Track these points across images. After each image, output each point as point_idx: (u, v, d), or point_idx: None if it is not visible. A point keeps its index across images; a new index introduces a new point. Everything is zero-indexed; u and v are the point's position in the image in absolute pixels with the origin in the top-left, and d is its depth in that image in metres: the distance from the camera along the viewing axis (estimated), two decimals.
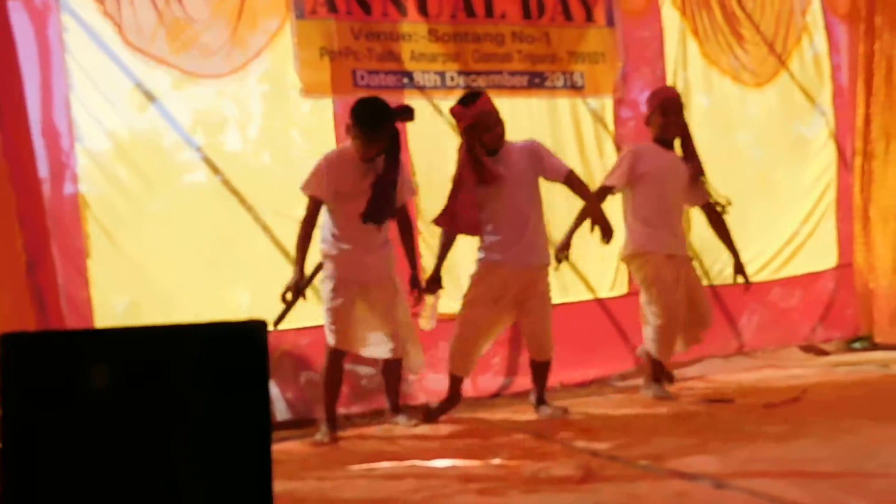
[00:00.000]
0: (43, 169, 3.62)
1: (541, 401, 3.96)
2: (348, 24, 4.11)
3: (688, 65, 4.91)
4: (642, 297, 4.17)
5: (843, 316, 5.39)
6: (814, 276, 5.32)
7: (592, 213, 3.81)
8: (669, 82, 4.87)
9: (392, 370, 3.83)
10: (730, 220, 4.34)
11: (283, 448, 3.51)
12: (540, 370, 3.97)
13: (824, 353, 5.17)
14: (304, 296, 3.59)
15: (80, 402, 1.49)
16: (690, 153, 4.17)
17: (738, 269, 4.31)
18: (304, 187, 3.61)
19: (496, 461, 3.17)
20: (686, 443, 3.25)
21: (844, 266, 5.40)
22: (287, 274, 4.04)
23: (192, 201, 3.95)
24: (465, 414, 4.08)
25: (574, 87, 4.59)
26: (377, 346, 3.73)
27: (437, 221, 3.83)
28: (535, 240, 3.78)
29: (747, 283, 4.34)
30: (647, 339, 4.15)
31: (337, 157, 3.65)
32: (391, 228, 3.75)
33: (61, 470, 1.46)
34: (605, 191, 4.11)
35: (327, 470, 3.16)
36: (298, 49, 4.02)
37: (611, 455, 3.12)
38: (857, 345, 5.28)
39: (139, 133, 3.86)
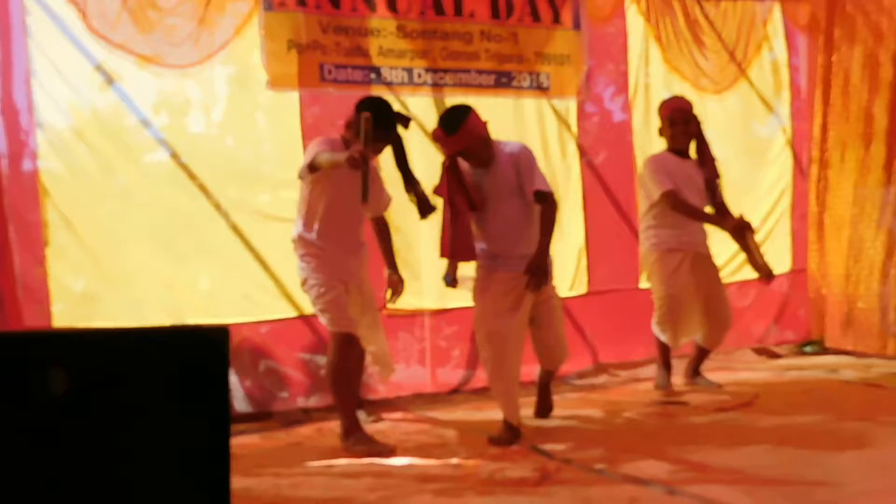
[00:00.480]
0: (1, 145, 3.53)
1: (546, 410, 3.90)
2: (316, 18, 4.05)
3: (650, 70, 4.95)
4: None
5: (796, 319, 5.50)
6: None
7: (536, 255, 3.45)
8: (631, 87, 4.92)
9: (358, 363, 3.73)
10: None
11: (241, 442, 3.48)
12: (547, 377, 3.87)
13: (776, 355, 5.27)
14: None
15: (30, 408, 1.46)
16: (705, 157, 4.25)
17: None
18: (305, 169, 3.32)
19: (453, 461, 3.18)
20: (640, 446, 3.29)
21: (798, 271, 5.51)
22: (246, 261, 4.02)
23: (152, 183, 3.88)
24: (423, 410, 4.08)
25: (540, 88, 4.60)
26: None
27: (443, 254, 3.57)
28: (523, 251, 3.46)
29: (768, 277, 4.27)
30: (654, 324, 4.31)
31: (329, 144, 3.35)
32: (367, 230, 3.67)
33: (8, 478, 1.42)
34: (675, 197, 4.08)
35: (284, 466, 3.14)
36: (266, 41, 3.95)
37: (566, 458, 3.15)
38: (808, 348, 5.39)
39: (100, 113, 3.78)
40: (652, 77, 4.96)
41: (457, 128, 3.40)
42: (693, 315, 4.30)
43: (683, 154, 4.24)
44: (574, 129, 4.78)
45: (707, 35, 5.07)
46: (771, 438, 3.32)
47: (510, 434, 3.44)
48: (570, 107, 4.76)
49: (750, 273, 5.33)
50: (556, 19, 4.61)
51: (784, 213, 5.50)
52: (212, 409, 1.60)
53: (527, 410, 3.71)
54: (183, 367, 1.57)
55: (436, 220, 4.18)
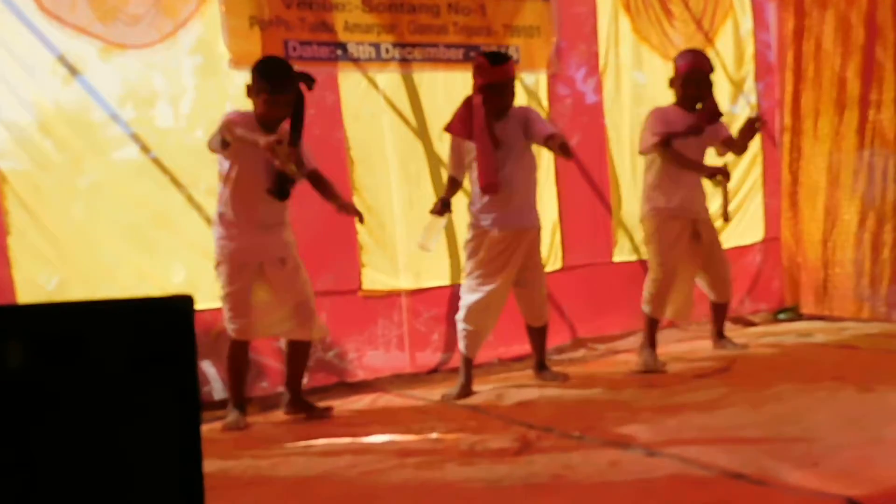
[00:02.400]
0: None
1: (542, 366, 4.01)
2: None
3: (619, 41, 4.92)
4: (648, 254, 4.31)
5: (770, 288, 5.54)
6: (742, 250, 5.43)
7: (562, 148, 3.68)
8: (602, 59, 4.89)
9: (295, 351, 3.62)
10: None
11: (218, 427, 3.43)
12: (537, 336, 4.00)
13: (752, 323, 5.30)
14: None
15: None
16: (708, 102, 4.12)
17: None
18: (215, 143, 3.32)
19: (433, 435, 3.16)
20: (619, 413, 3.30)
21: (771, 240, 5.54)
22: (200, 263, 3.96)
23: (122, 177, 3.79)
24: (403, 390, 4.06)
25: None
26: (279, 325, 3.56)
27: (485, 188, 3.69)
28: (521, 203, 3.77)
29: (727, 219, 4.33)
30: (644, 296, 4.24)
31: (240, 118, 3.34)
32: (289, 209, 3.54)
33: None
34: (667, 145, 4.04)
35: (263, 448, 3.11)
36: (227, 18, 3.85)
37: (546, 427, 3.14)
38: (783, 316, 5.43)
39: (65, 107, 3.68)
40: (621, 47, 4.92)
41: (502, 61, 3.67)
42: (684, 289, 4.26)
43: (690, 108, 4.14)
44: (545, 102, 4.74)
45: (675, 4, 5.06)
46: (748, 400, 3.34)
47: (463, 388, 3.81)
48: (540, 79, 4.72)
49: (724, 243, 5.39)
50: None
51: (755, 183, 5.52)
52: (179, 380, 1.56)
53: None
54: (146, 338, 1.52)
55: (414, 201, 4.16)
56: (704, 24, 5.16)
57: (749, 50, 5.42)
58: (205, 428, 3.28)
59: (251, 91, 3.38)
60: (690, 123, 4.05)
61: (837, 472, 2.41)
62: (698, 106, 4.14)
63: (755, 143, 5.47)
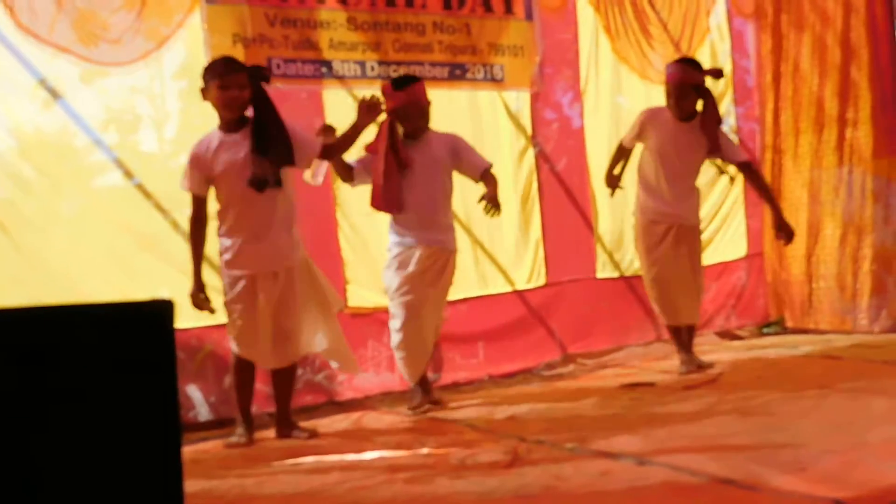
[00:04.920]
0: None
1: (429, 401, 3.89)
2: (262, 10, 3.96)
3: (599, 62, 4.98)
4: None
5: (755, 303, 5.55)
6: (726, 266, 5.47)
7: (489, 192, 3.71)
8: (582, 79, 4.93)
9: (279, 379, 3.52)
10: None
11: (203, 448, 3.38)
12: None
13: (738, 337, 5.32)
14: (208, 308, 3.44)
15: None
16: (708, 110, 4.10)
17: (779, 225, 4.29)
18: (184, 186, 3.43)
19: (423, 451, 3.12)
20: (609, 425, 3.28)
21: (754, 255, 5.56)
22: (207, 278, 3.91)
23: (105, 203, 3.77)
24: (393, 407, 4.02)
25: (494, 80, 4.58)
26: (266, 356, 3.43)
27: (374, 204, 3.74)
28: (441, 223, 3.78)
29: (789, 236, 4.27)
30: (653, 306, 4.30)
31: (200, 142, 3.39)
32: (292, 212, 3.43)
33: None
34: (621, 150, 4.23)
35: (249, 467, 3.06)
36: (209, 36, 3.84)
37: (537, 439, 3.11)
38: (768, 329, 5.44)
39: (46, 132, 3.66)
40: (602, 68, 4.97)
41: (404, 85, 3.70)
42: (685, 292, 4.23)
43: (682, 119, 4.13)
44: (525, 121, 4.76)
45: (654, 26, 5.13)
46: (736, 409, 3.33)
47: (424, 396, 3.81)
48: (521, 97, 4.74)
49: (707, 259, 5.41)
50: (509, 10, 4.60)
51: (737, 200, 5.55)
52: (158, 384, 1.52)
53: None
54: (126, 344, 1.49)
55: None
56: (682, 45, 5.23)
57: (726, 72, 5.48)
58: (190, 449, 3.25)
59: (205, 92, 3.35)
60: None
61: (824, 475, 2.41)
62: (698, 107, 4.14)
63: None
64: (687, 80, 4.08)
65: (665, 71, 4.25)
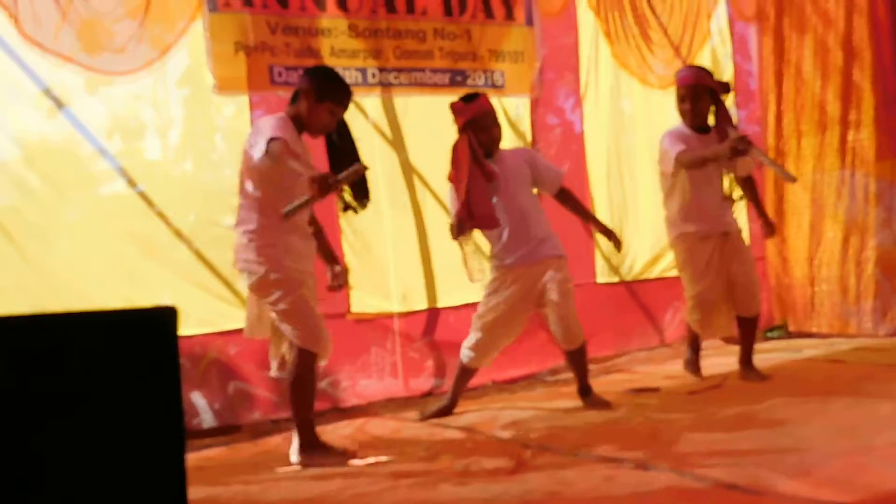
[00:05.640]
0: None
1: (584, 391, 3.82)
2: (264, 18, 3.97)
3: (599, 66, 4.96)
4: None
5: None
6: None
7: (596, 225, 3.93)
8: (582, 84, 4.93)
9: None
10: (651, 221, 4.36)
11: (207, 455, 3.38)
12: (574, 359, 3.82)
13: None
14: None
15: None
16: (721, 118, 4.02)
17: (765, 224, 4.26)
18: (271, 132, 2.91)
19: (427, 456, 3.11)
20: (614, 430, 3.27)
21: (757, 259, 5.53)
22: (212, 284, 3.92)
23: (110, 211, 3.77)
24: (396, 413, 4.01)
25: (495, 86, 4.57)
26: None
27: (465, 223, 3.59)
28: (540, 234, 3.74)
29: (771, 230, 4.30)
30: (689, 312, 4.19)
31: (285, 122, 3.06)
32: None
33: None
34: (683, 155, 3.88)
35: (253, 474, 3.05)
36: (211, 44, 3.85)
37: (541, 445, 3.10)
38: (771, 333, 5.42)
39: (51, 140, 3.67)
40: (601, 72, 4.96)
41: (474, 98, 3.72)
42: (724, 308, 4.13)
43: (702, 130, 3.99)
44: (523, 126, 4.75)
45: (654, 30, 5.12)
46: (740, 414, 3.32)
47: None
48: (521, 103, 4.72)
49: None
50: (509, 15, 4.60)
51: (738, 205, 5.52)
52: (162, 392, 1.52)
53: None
54: (129, 350, 1.49)
55: (401, 226, 4.13)
56: (682, 49, 5.23)
57: (727, 75, 5.47)
58: (194, 455, 3.25)
59: (309, 95, 3.08)
60: (717, 151, 3.85)
61: (830, 480, 2.40)
62: (710, 121, 4.03)
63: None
64: (701, 82, 4.01)
65: (676, 76, 4.12)
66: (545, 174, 3.79)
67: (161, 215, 3.84)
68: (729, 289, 4.09)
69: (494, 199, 3.66)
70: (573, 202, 3.89)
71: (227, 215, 3.98)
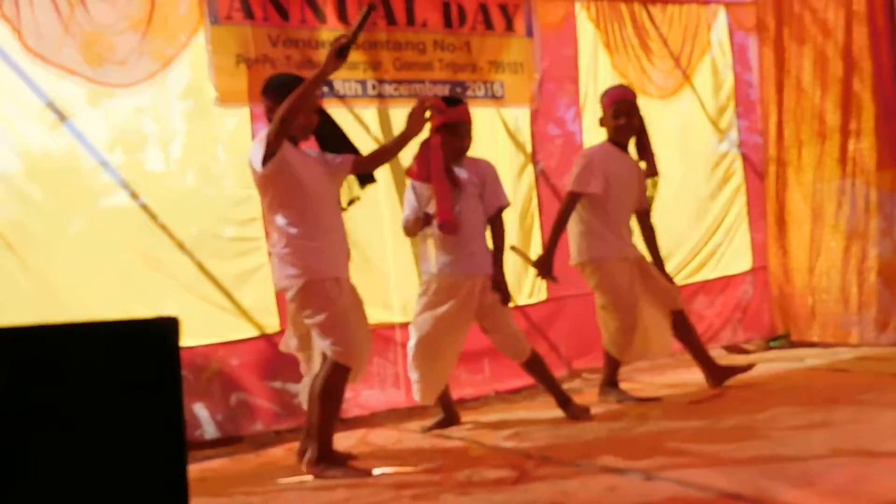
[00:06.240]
0: None
1: (562, 402, 3.77)
2: (265, 31, 4.00)
3: (598, 77, 4.96)
4: (598, 301, 4.09)
5: (760, 316, 5.53)
6: (730, 280, 5.46)
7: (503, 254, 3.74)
8: (582, 94, 4.94)
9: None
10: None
11: (210, 466, 3.37)
12: (530, 370, 3.80)
13: (745, 351, 5.29)
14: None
15: None
16: (645, 153, 4.07)
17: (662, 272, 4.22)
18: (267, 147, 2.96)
19: (430, 467, 3.10)
20: (616, 440, 3.26)
21: (759, 269, 5.55)
22: (214, 295, 3.91)
23: (113, 223, 3.78)
24: (399, 423, 4.00)
25: (494, 97, 4.59)
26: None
27: (449, 228, 3.56)
28: (482, 249, 3.69)
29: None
30: (607, 342, 4.09)
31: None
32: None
33: None
34: (576, 198, 3.96)
35: (255, 485, 3.04)
36: (213, 56, 3.87)
37: (543, 455, 3.09)
38: (774, 343, 5.41)
39: (54, 153, 3.68)
40: (601, 83, 4.96)
41: (457, 103, 3.67)
42: (653, 325, 4.08)
43: (624, 148, 4.06)
44: (523, 137, 4.76)
45: (653, 41, 5.14)
46: (743, 424, 3.31)
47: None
48: (521, 114, 4.72)
49: (711, 273, 5.40)
50: (509, 27, 4.62)
51: (740, 214, 5.55)
52: (164, 403, 1.52)
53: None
54: (132, 361, 1.49)
55: (401, 237, 4.13)
56: (682, 61, 5.24)
57: (727, 86, 5.49)
58: (196, 467, 3.24)
59: (274, 108, 3.03)
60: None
61: (833, 489, 2.39)
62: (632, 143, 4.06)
63: (735, 177, 5.51)
64: (633, 98, 4.09)
65: (612, 93, 4.08)
66: (489, 191, 3.69)
67: (163, 227, 3.85)
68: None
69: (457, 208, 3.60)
70: (497, 233, 3.73)
71: (229, 227, 4.01)
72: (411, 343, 3.74)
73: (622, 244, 4.04)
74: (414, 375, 3.74)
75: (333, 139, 3.33)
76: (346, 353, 3.06)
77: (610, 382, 4.11)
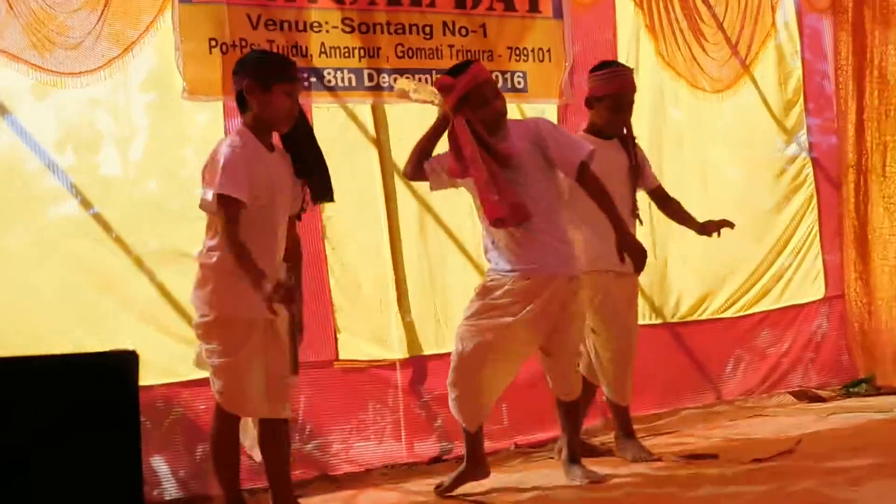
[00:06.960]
0: None
1: (572, 459, 3.72)
2: (244, 10, 4.00)
3: (640, 67, 4.94)
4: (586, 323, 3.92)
5: (837, 356, 5.52)
6: (798, 310, 5.45)
7: (617, 229, 3.56)
8: None
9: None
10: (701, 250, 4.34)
11: None
12: (566, 413, 3.72)
13: (819, 399, 5.26)
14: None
15: None
16: (628, 138, 4.10)
17: (705, 229, 4.14)
18: (218, 188, 3.08)
19: None
20: (670, 501, 3.24)
21: (834, 298, 5.54)
22: (176, 325, 3.93)
23: (60, 236, 3.82)
24: (397, 483, 4.00)
25: (515, 90, 4.60)
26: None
27: (496, 218, 3.48)
28: (557, 241, 3.56)
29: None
30: (607, 383, 4.10)
31: (242, 145, 3.15)
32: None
33: None
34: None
35: None
36: (182, 40, 3.87)
37: None
38: (855, 388, 5.38)
39: None
40: (643, 75, 4.97)
41: (464, 68, 3.61)
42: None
43: (607, 136, 4.05)
44: None
45: (706, 24, 5.17)
46: (817, 488, 3.29)
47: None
48: (547, 111, 4.73)
49: (776, 302, 5.38)
50: (534, 7, 4.64)
51: (810, 231, 5.54)
52: (119, 453, 1.56)
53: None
54: (85, 401, 1.53)
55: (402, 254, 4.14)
56: (741, 47, 5.27)
57: (796, 78, 5.51)
58: None
59: (254, 91, 3.14)
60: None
61: None
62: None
63: (806, 187, 5.52)
64: (635, 90, 4.13)
65: (604, 80, 4.06)
66: (559, 154, 3.55)
67: (119, 241, 3.88)
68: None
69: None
70: (596, 193, 3.58)
71: (197, 244, 4.03)
72: (456, 353, 3.60)
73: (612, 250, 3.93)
74: (453, 393, 3.63)
75: (301, 149, 3.34)
76: (231, 400, 3.19)
77: (626, 434, 4.12)
